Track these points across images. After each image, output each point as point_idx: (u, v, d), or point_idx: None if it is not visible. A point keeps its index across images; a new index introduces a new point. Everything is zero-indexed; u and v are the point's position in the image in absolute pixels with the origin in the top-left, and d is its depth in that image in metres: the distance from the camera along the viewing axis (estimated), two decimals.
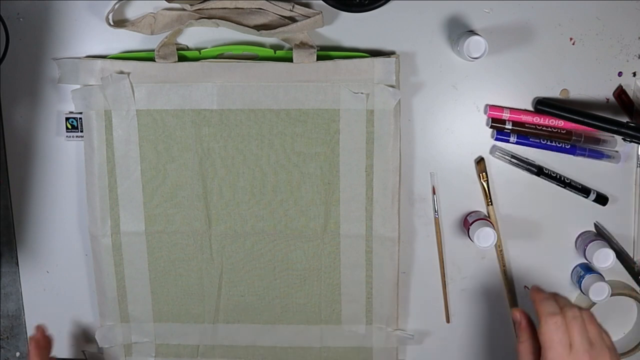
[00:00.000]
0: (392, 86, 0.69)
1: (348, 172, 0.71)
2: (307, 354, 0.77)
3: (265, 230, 0.73)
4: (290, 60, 0.69)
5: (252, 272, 0.75)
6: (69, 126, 0.74)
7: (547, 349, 0.61)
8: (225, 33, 0.71)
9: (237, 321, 0.76)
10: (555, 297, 0.64)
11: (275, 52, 0.71)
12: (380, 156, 0.71)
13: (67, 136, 0.74)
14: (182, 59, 0.70)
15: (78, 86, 0.71)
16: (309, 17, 0.68)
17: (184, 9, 0.70)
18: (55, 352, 0.80)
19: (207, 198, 0.73)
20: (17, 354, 0.80)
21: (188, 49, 0.72)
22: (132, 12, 0.72)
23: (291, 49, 0.69)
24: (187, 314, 0.76)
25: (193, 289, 0.75)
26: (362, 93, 0.69)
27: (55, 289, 0.78)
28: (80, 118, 0.73)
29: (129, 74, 0.70)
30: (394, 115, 0.70)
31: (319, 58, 0.69)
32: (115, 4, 0.70)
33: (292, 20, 0.69)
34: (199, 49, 0.71)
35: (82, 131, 0.73)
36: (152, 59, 0.70)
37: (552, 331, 0.61)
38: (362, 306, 0.75)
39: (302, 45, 0.69)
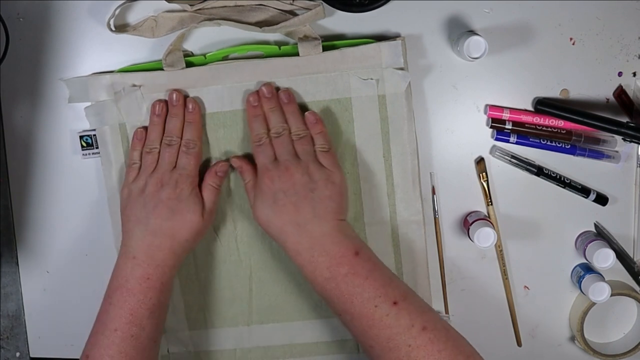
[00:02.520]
0: (401, 69, 0.69)
1: (366, 159, 0.71)
2: (344, 347, 0.76)
3: None
4: (296, 54, 0.69)
5: (280, 269, 0.74)
6: (84, 144, 0.74)
7: (258, 168, 0.68)
8: (228, 33, 0.71)
9: (271, 321, 0.76)
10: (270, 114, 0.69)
11: (280, 48, 0.71)
12: (396, 140, 0.71)
13: (83, 154, 0.74)
14: (188, 65, 0.70)
15: (89, 103, 0.72)
16: (310, 9, 0.68)
17: (184, 10, 0.70)
18: (55, 352, 0.80)
19: (229, 199, 0.73)
20: (17, 354, 0.80)
21: (193, 54, 0.72)
22: (132, 16, 0.72)
23: (296, 44, 0.69)
24: (220, 318, 0.76)
25: (224, 292, 0.75)
26: (371, 79, 0.69)
27: (55, 289, 0.78)
28: (94, 135, 0.73)
29: (140, 86, 0.70)
30: (406, 98, 0.70)
31: (325, 49, 0.69)
32: (116, 9, 0.70)
33: (293, 14, 0.69)
34: (204, 54, 0.71)
35: (97, 147, 0.73)
36: (160, 69, 0.70)
37: (258, 151, 0.67)
38: None
39: (306, 38, 0.69)
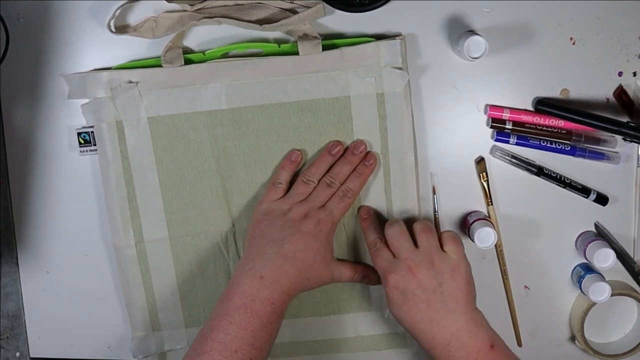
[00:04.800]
0: (399, 68, 0.69)
1: None
2: (343, 345, 0.76)
3: None
4: (295, 53, 0.69)
5: None
6: (82, 141, 0.73)
7: (379, 273, 0.67)
8: (228, 31, 0.71)
9: None
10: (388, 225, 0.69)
11: (279, 46, 0.71)
12: (394, 138, 0.71)
13: (80, 151, 0.74)
14: (187, 62, 0.70)
15: (87, 100, 0.71)
16: (310, 7, 0.68)
17: (184, 10, 0.70)
18: (55, 352, 0.80)
19: (228, 197, 0.73)
20: (17, 354, 0.80)
21: (192, 51, 0.72)
22: (133, 17, 0.71)
23: (296, 42, 0.69)
24: None
25: (222, 290, 0.74)
26: (370, 77, 0.69)
27: (56, 289, 0.78)
28: (92, 132, 0.73)
29: (137, 82, 0.70)
30: (404, 97, 0.70)
31: (324, 47, 0.69)
32: (116, 10, 0.70)
33: (293, 12, 0.69)
34: (203, 51, 0.71)
35: (95, 145, 0.73)
36: (158, 65, 0.70)
37: (375, 256, 0.68)
38: None
39: (306, 36, 0.69)
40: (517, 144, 0.72)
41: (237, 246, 0.74)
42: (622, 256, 0.74)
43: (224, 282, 0.75)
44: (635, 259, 0.75)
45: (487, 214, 0.74)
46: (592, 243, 0.72)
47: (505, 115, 0.72)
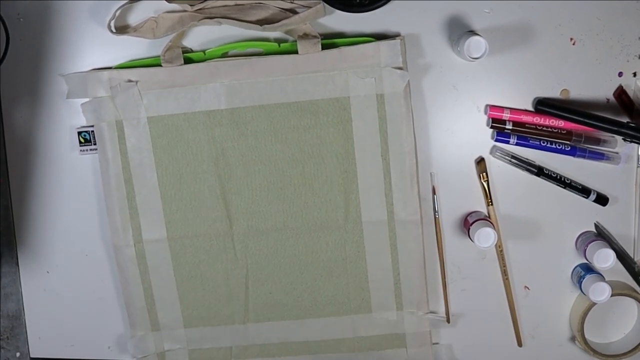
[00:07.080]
0: (399, 68, 0.69)
1: (364, 158, 0.71)
2: (341, 346, 0.77)
3: (286, 225, 0.73)
4: (295, 52, 0.69)
5: (277, 268, 0.75)
6: (82, 140, 0.74)
7: None
8: (228, 31, 0.71)
9: (268, 319, 0.76)
10: None
11: (279, 46, 0.71)
12: (394, 139, 0.71)
13: (80, 150, 0.74)
14: (187, 61, 0.70)
15: (87, 99, 0.71)
16: (310, 7, 0.68)
17: (184, 10, 0.70)
18: (55, 352, 0.80)
19: (226, 198, 0.73)
20: (17, 354, 0.80)
21: (192, 51, 0.72)
22: (133, 17, 0.72)
23: (295, 41, 0.69)
24: (217, 316, 0.76)
25: (220, 290, 0.75)
26: (370, 78, 0.69)
27: (56, 289, 0.78)
28: (93, 131, 0.73)
29: (137, 82, 0.70)
30: (404, 98, 0.70)
31: (325, 47, 0.69)
32: (116, 10, 0.70)
33: (293, 12, 0.69)
34: (203, 50, 0.71)
35: (95, 144, 0.73)
36: (158, 65, 0.70)
37: None
38: (391, 292, 0.75)
39: (306, 36, 0.69)
40: (517, 144, 0.72)
41: (235, 248, 0.74)
42: (622, 256, 0.74)
43: (222, 283, 0.75)
44: (635, 259, 0.75)
45: (487, 214, 0.74)
46: (592, 243, 0.72)
47: (506, 115, 0.72)
